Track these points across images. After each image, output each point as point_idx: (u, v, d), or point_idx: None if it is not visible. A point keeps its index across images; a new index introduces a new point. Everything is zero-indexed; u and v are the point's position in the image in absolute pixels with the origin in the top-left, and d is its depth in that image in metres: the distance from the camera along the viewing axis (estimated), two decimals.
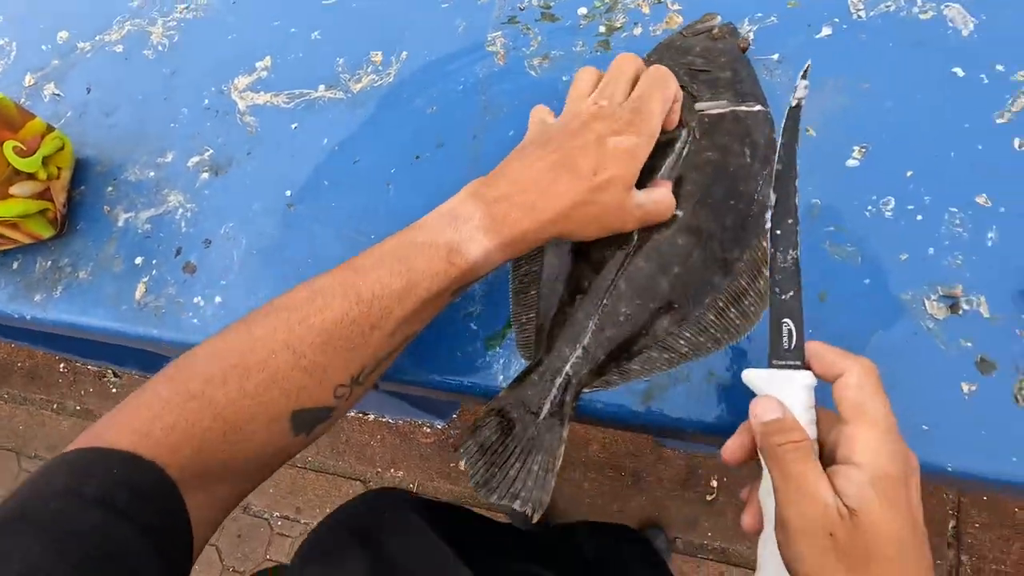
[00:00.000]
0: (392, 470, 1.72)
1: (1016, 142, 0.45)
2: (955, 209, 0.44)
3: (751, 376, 0.37)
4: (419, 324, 0.40)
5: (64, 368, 2.05)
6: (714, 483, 1.52)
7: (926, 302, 0.42)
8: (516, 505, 0.39)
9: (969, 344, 0.40)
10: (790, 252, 0.37)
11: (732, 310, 0.43)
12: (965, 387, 0.40)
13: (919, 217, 0.44)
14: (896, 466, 0.30)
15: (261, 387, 0.34)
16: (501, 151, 0.52)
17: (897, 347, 0.41)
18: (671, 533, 1.52)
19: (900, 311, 0.42)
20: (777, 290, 0.37)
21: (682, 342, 0.42)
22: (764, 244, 0.43)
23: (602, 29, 0.55)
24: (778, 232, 0.38)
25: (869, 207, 0.45)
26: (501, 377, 0.45)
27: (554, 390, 0.42)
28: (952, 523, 1.42)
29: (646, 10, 0.55)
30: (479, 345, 0.47)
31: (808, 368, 0.35)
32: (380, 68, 0.58)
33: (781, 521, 0.31)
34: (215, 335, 0.37)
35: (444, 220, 0.38)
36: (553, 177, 0.38)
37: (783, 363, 0.36)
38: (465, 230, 0.37)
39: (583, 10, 0.57)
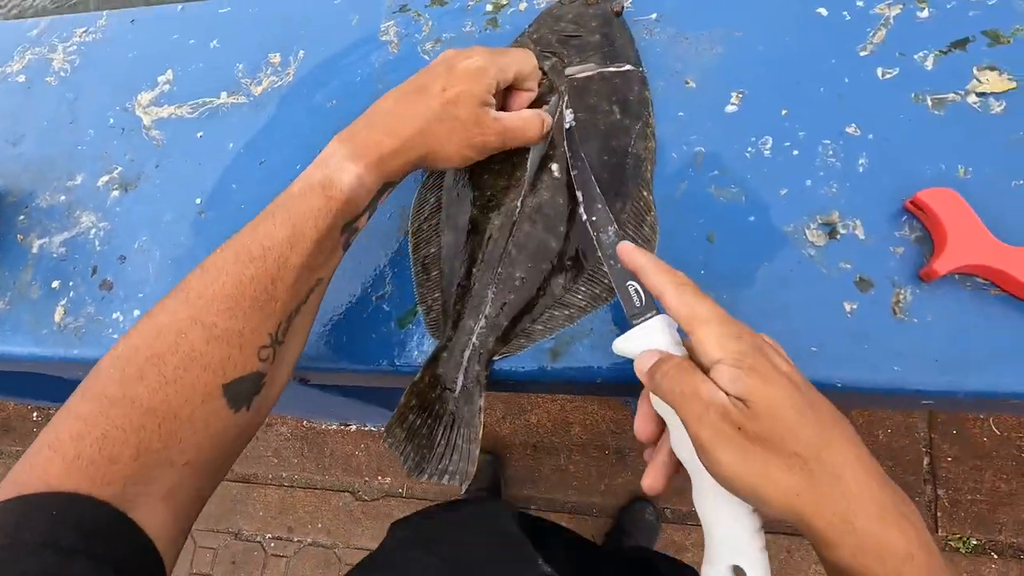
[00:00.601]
0: (380, 477, 1.72)
1: (879, 71, 0.47)
2: (828, 141, 0.46)
3: (620, 344, 0.38)
4: (322, 271, 0.40)
5: (37, 416, 2.02)
6: None
7: (806, 231, 0.44)
8: (445, 480, 0.40)
9: (848, 266, 0.42)
10: (609, 228, 0.40)
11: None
12: (847, 306, 0.41)
13: (795, 152, 0.46)
14: (743, 342, 0.31)
15: (180, 369, 0.33)
16: None
17: (783, 277, 0.43)
18: (659, 504, 1.54)
19: (783, 243, 0.44)
20: (611, 262, 0.39)
21: (579, 296, 0.44)
22: (645, 194, 0.45)
23: (489, 8, 0.57)
24: (594, 218, 0.41)
25: (749, 148, 0.47)
26: (416, 353, 0.46)
27: (464, 363, 0.43)
28: (926, 460, 1.46)
29: None
30: (393, 325, 0.47)
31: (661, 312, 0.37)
32: (279, 69, 0.59)
33: (698, 444, 0.32)
34: (118, 341, 0.35)
35: (313, 166, 0.39)
36: (407, 101, 0.40)
37: (641, 318, 0.38)
38: (332, 163, 0.38)
39: None
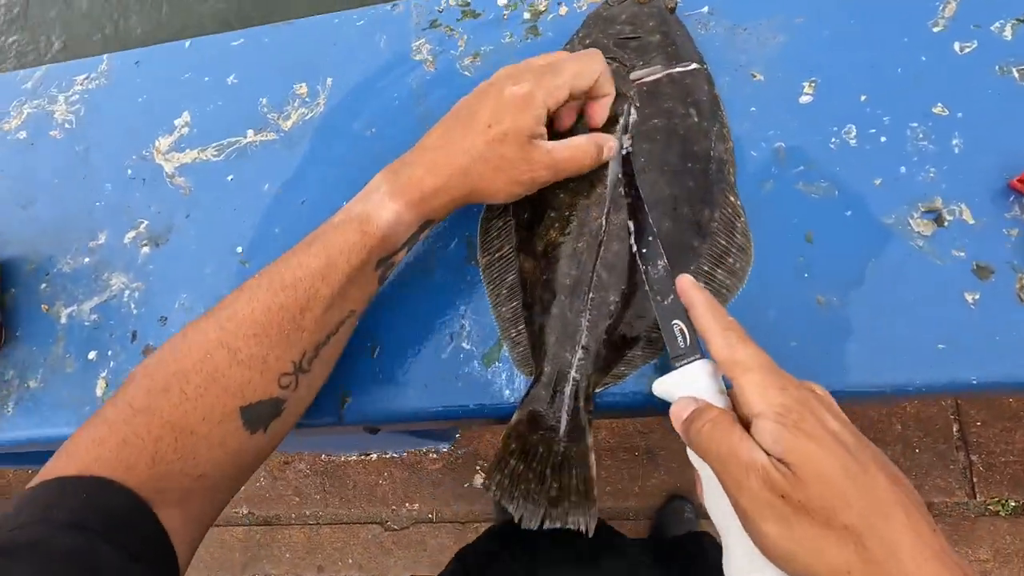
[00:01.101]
0: (408, 504, 1.67)
1: (956, 46, 0.45)
2: (915, 124, 0.44)
3: (660, 386, 0.36)
4: (353, 303, 0.40)
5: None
6: None
7: (910, 221, 0.41)
8: (570, 525, 0.37)
9: (962, 254, 0.40)
10: (659, 263, 0.38)
11: (719, 271, 0.41)
12: (968, 297, 0.39)
13: (883, 139, 0.44)
14: (787, 395, 0.29)
15: (202, 388, 0.34)
16: None
17: (893, 272, 0.40)
18: (696, 500, 1.52)
19: (888, 235, 0.41)
20: (658, 298, 0.37)
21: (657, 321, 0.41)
22: (732, 199, 0.42)
23: (527, 16, 0.54)
24: (644, 250, 0.39)
25: (833, 139, 0.44)
26: (507, 392, 0.43)
27: (566, 400, 0.40)
28: (955, 427, 1.46)
29: None
30: (476, 364, 0.44)
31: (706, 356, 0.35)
32: (307, 100, 0.55)
33: (739, 512, 0.29)
34: (154, 352, 0.36)
35: (357, 199, 0.39)
36: (453, 136, 0.39)
37: (684, 361, 0.35)
38: (374, 199, 0.38)
39: (503, 0, 0.55)
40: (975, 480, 1.40)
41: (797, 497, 0.27)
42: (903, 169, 0.43)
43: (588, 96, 0.41)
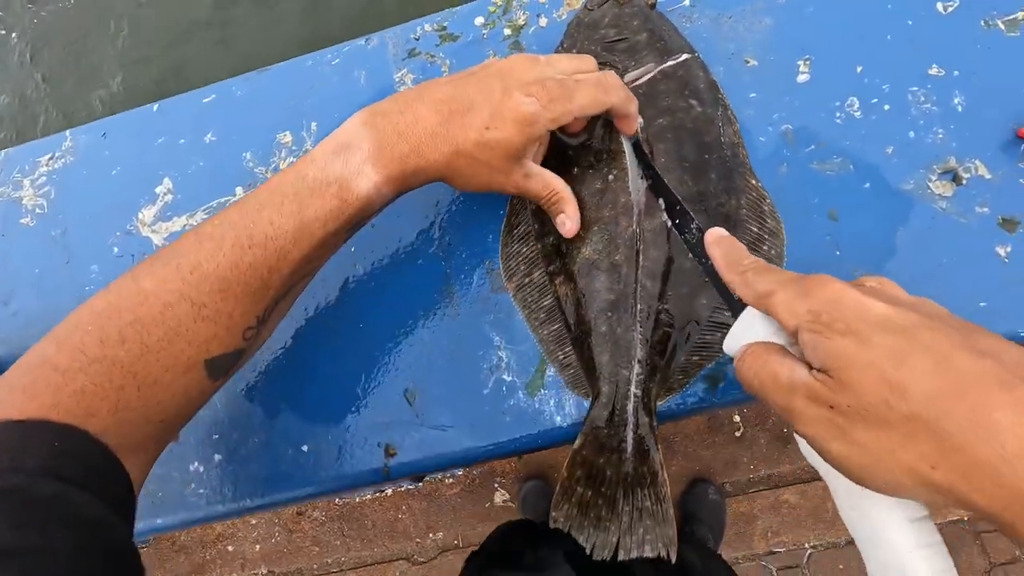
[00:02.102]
0: (431, 535, 1.64)
1: (939, 6, 0.45)
2: (915, 88, 0.44)
3: (725, 344, 0.34)
4: (319, 262, 0.39)
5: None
6: (737, 419, 1.54)
7: (929, 184, 0.42)
8: (647, 551, 0.36)
9: (985, 209, 0.40)
10: (692, 226, 0.37)
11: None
12: (1001, 251, 0.39)
13: (886, 107, 0.44)
14: (813, 298, 0.27)
15: (164, 341, 0.33)
16: (452, 192, 0.48)
17: (922, 237, 0.41)
18: (717, 480, 1.53)
19: (910, 202, 0.41)
20: (703, 260, 0.35)
21: (728, 314, 0.40)
22: (753, 182, 0.42)
23: (507, 32, 0.53)
24: (676, 220, 0.38)
25: (838, 114, 0.44)
26: (558, 418, 0.42)
27: (629, 418, 0.38)
28: None
29: None
30: (521, 395, 0.43)
31: None
32: (294, 148, 0.53)
33: (808, 442, 0.27)
34: (96, 295, 0.34)
35: (333, 152, 0.37)
36: (444, 118, 0.37)
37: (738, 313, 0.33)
38: (354, 163, 0.36)
39: (479, 19, 0.54)
40: None
41: (845, 402, 0.24)
42: (912, 134, 0.43)
43: (611, 114, 0.40)
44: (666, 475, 0.38)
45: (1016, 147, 0.41)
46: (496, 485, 1.62)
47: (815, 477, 1.47)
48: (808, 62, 0.46)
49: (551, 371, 0.43)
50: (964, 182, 0.41)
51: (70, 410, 0.30)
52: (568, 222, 0.41)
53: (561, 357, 0.42)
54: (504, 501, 1.60)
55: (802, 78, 0.46)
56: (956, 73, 0.44)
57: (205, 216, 0.53)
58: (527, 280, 0.43)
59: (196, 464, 0.46)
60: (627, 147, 0.42)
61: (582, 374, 0.41)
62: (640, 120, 0.42)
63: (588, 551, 0.38)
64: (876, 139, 0.43)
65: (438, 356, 0.45)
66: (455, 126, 0.37)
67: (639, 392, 0.38)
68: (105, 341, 0.32)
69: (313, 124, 0.54)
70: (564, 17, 0.52)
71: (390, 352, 0.45)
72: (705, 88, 0.44)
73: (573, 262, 0.41)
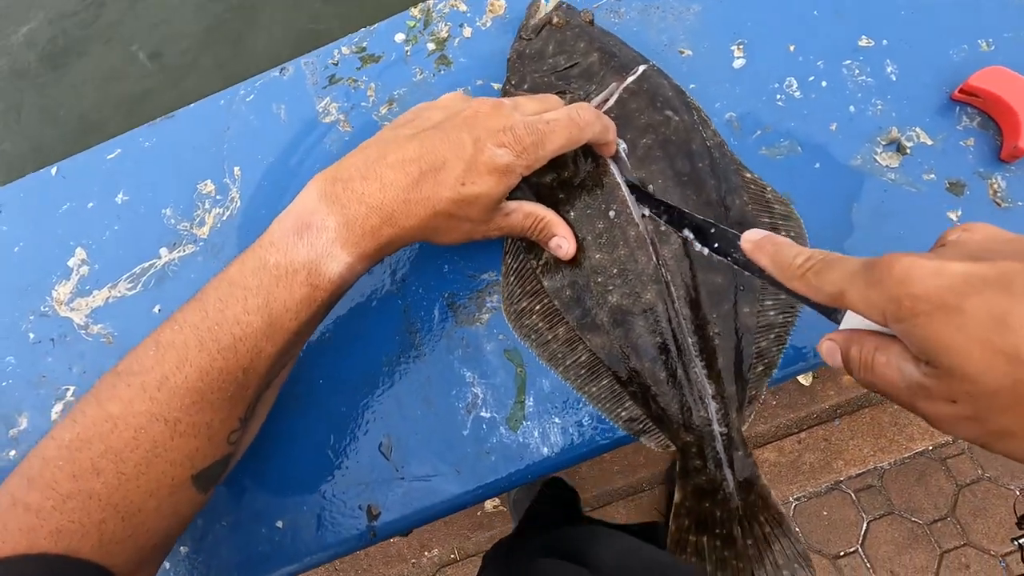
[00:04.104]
0: (426, 553, 1.61)
1: None
2: (848, 61, 0.44)
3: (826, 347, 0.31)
4: (297, 347, 0.37)
5: None
6: None
7: (876, 157, 0.42)
8: (786, 575, 0.35)
9: (932, 176, 0.41)
10: (733, 242, 0.34)
11: None
12: (952, 215, 0.40)
13: (824, 84, 0.44)
14: (884, 289, 0.24)
15: (143, 466, 0.31)
16: None
17: (877, 210, 0.41)
18: None
19: (860, 176, 0.41)
20: (759, 274, 0.32)
21: (772, 313, 0.38)
22: (748, 175, 0.41)
23: (431, 46, 0.50)
24: (716, 244, 0.36)
25: (778, 96, 0.44)
26: (545, 449, 0.40)
27: (722, 458, 0.37)
28: None
29: (463, 7, 0.50)
30: (503, 430, 0.41)
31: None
32: (218, 198, 0.49)
33: (959, 437, 0.25)
34: (61, 423, 0.31)
35: (295, 233, 0.33)
36: (415, 180, 0.34)
37: (837, 314, 0.31)
38: (320, 244, 0.33)
39: (400, 36, 0.51)
40: None
41: (965, 391, 0.21)
42: (852, 108, 0.43)
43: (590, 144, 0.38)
44: (774, 496, 0.36)
45: (951, 110, 0.42)
46: None
47: (789, 433, 1.52)
48: (742, 46, 0.45)
49: (531, 402, 0.41)
50: (908, 151, 0.41)
51: (47, 551, 0.29)
52: (564, 243, 0.39)
53: (624, 414, 0.39)
54: (495, 507, 1.58)
55: (738, 63, 0.45)
56: (885, 42, 0.44)
57: (130, 287, 0.48)
58: (551, 336, 0.40)
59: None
60: (624, 189, 0.39)
61: (654, 428, 0.39)
62: (623, 144, 0.40)
63: None
64: (819, 117, 0.43)
65: (410, 402, 0.42)
66: (427, 187, 0.34)
67: (724, 429, 0.37)
68: (78, 475, 0.30)
69: (236, 168, 0.49)
70: (489, 25, 0.50)
71: (357, 406, 0.42)
72: (674, 96, 0.42)
73: (601, 312, 0.39)
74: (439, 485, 0.40)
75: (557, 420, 0.40)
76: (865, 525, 1.44)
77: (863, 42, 0.44)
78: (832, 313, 0.29)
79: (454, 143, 0.34)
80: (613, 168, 0.40)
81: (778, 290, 0.31)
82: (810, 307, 0.30)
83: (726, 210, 0.39)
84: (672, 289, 0.38)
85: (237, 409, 0.34)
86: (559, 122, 0.35)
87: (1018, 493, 1.39)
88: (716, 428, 0.37)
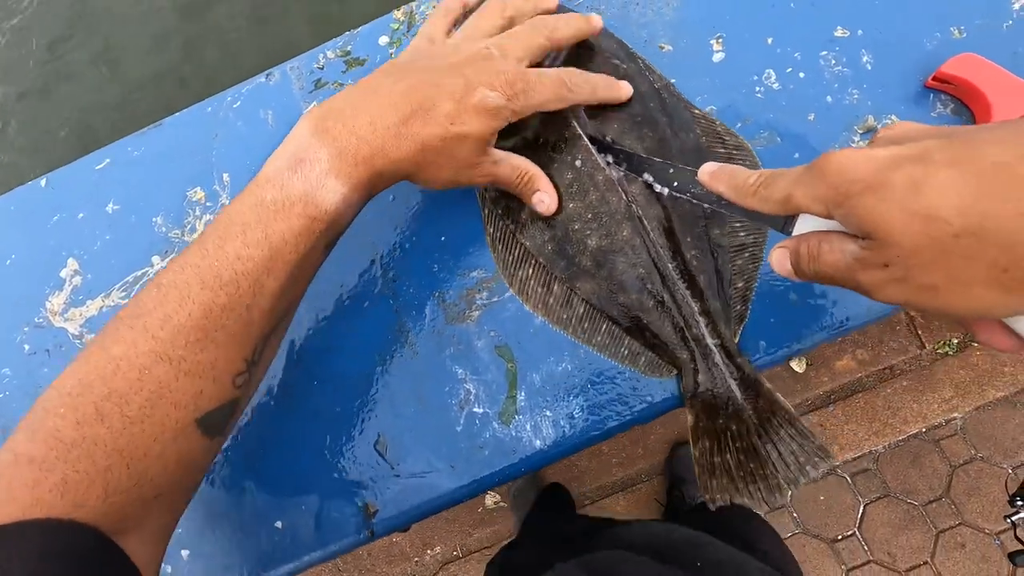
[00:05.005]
0: (429, 551, 1.62)
1: None
2: (825, 52, 0.45)
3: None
4: (301, 287, 0.37)
5: None
6: None
7: (853, 145, 0.42)
8: (813, 473, 0.35)
9: None
10: (691, 179, 0.36)
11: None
12: None
13: (801, 75, 0.44)
14: (820, 179, 0.27)
15: (147, 407, 0.30)
16: (389, 225, 0.46)
17: None
18: None
19: None
20: (719, 203, 0.35)
21: (742, 234, 0.41)
22: (696, 111, 0.43)
23: None
24: (675, 183, 0.38)
25: (757, 88, 0.45)
26: (537, 442, 0.41)
27: (722, 367, 0.38)
28: None
29: None
30: (496, 425, 0.41)
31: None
32: (209, 205, 0.49)
33: (912, 309, 0.29)
34: (63, 374, 0.31)
35: (289, 168, 0.34)
36: (405, 115, 0.35)
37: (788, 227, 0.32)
38: (314, 176, 0.34)
39: (384, 39, 0.51)
40: (920, 332, 1.53)
41: (894, 254, 0.24)
42: (829, 99, 0.44)
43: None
44: (782, 399, 0.37)
45: (926, 98, 0.43)
46: None
47: None
48: (720, 40, 0.46)
49: (523, 396, 0.41)
50: None
51: (53, 506, 0.28)
52: (546, 198, 0.40)
53: (626, 353, 0.41)
54: (496, 503, 1.59)
55: (718, 57, 0.46)
56: (860, 32, 0.44)
57: (123, 296, 0.48)
58: (551, 299, 0.42)
59: (164, 566, 0.42)
60: (585, 139, 0.41)
61: (655, 357, 0.40)
62: (588, 126, 0.42)
63: (761, 507, 0.37)
64: (797, 108, 0.44)
65: (403, 401, 0.43)
66: (417, 124, 0.35)
67: (716, 340, 0.38)
68: (82, 421, 0.29)
69: (225, 175, 0.50)
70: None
71: (352, 406, 0.43)
72: (618, 48, 0.45)
73: (586, 258, 0.41)
74: (434, 481, 0.41)
75: (548, 413, 0.41)
76: (862, 508, 1.45)
77: (839, 32, 0.45)
78: (784, 226, 0.32)
79: (445, 84, 0.36)
80: (574, 122, 0.42)
81: (737, 215, 0.33)
82: (766, 224, 0.32)
83: (682, 144, 0.41)
84: (645, 222, 0.40)
85: (242, 350, 0.33)
86: (548, 76, 0.38)
87: (1010, 471, 1.41)
88: (710, 341, 0.38)
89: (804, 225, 0.31)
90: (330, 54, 0.51)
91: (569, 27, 0.41)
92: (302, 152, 0.34)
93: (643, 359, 0.40)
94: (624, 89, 0.42)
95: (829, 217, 0.27)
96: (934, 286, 0.24)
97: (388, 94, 0.35)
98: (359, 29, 0.51)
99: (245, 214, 0.33)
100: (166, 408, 0.31)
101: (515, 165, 0.40)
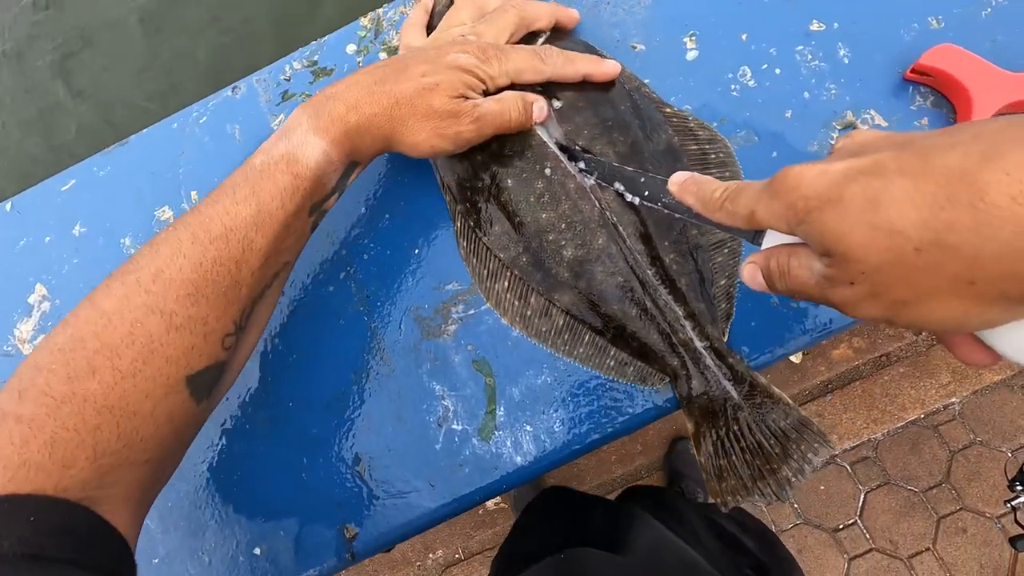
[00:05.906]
0: (431, 555, 1.61)
1: None
2: (800, 47, 0.43)
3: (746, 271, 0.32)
4: (288, 254, 0.37)
5: None
6: None
7: (832, 142, 0.41)
8: (818, 461, 0.35)
9: None
10: (666, 196, 0.35)
11: (711, 171, 0.41)
12: None
13: (777, 71, 0.43)
14: (779, 196, 0.26)
15: (139, 362, 0.30)
16: (362, 238, 0.45)
17: None
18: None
19: None
20: (689, 215, 0.34)
21: (718, 232, 0.39)
22: (668, 109, 0.43)
23: (383, 55, 0.49)
24: (646, 192, 0.37)
25: (733, 86, 0.44)
26: (518, 458, 0.40)
27: (714, 367, 0.37)
28: None
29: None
30: (475, 442, 0.40)
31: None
32: None
33: (882, 322, 0.26)
34: (53, 331, 0.31)
35: (277, 137, 0.36)
36: (381, 79, 0.37)
37: (758, 239, 0.32)
38: (296, 137, 0.36)
39: (351, 47, 0.50)
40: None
41: (858, 271, 0.23)
42: (806, 94, 0.43)
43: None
44: (779, 391, 0.36)
45: (904, 91, 0.41)
46: None
47: None
48: (694, 38, 0.45)
49: (502, 411, 0.40)
50: None
51: (42, 466, 0.27)
52: (543, 103, 0.41)
53: (612, 364, 0.40)
54: (496, 504, 1.59)
55: (691, 55, 0.45)
56: (836, 25, 0.43)
57: None
58: (528, 311, 0.41)
59: None
60: (553, 147, 0.41)
61: (643, 366, 0.39)
62: (556, 103, 0.42)
63: (764, 502, 0.36)
64: (774, 105, 0.43)
65: (381, 420, 0.42)
66: (391, 81, 0.37)
67: (705, 342, 0.37)
68: (73, 376, 0.29)
69: (193, 192, 0.49)
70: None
71: (329, 426, 0.42)
72: (585, 50, 0.44)
73: (562, 269, 0.40)
74: (415, 501, 0.40)
75: (528, 428, 0.40)
76: (862, 497, 1.45)
77: (814, 26, 0.44)
78: (755, 238, 0.30)
79: (420, 55, 0.38)
80: (539, 129, 0.41)
81: (710, 226, 0.32)
82: (738, 236, 0.31)
83: (655, 145, 0.40)
84: (621, 229, 0.39)
85: (232, 308, 0.34)
86: (522, 47, 0.40)
87: (1009, 455, 1.40)
88: (699, 345, 0.38)
89: (773, 239, 0.30)
90: (296, 64, 0.50)
91: (539, 8, 0.43)
92: (288, 124, 0.37)
93: (631, 369, 0.39)
94: (610, 65, 0.41)
95: (792, 234, 0.26)
96: (906, 301, 0.23)
97: (365, 69, 0.38)
98: (325, 38, 0.50)
99: (235, 178, 0.35)
100: (158, 363, 0.31)
101: (500, 98, 0.39)
